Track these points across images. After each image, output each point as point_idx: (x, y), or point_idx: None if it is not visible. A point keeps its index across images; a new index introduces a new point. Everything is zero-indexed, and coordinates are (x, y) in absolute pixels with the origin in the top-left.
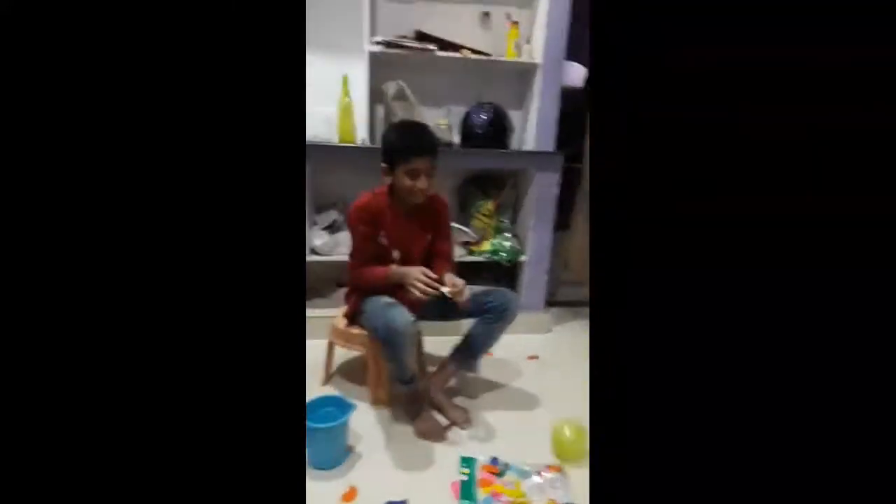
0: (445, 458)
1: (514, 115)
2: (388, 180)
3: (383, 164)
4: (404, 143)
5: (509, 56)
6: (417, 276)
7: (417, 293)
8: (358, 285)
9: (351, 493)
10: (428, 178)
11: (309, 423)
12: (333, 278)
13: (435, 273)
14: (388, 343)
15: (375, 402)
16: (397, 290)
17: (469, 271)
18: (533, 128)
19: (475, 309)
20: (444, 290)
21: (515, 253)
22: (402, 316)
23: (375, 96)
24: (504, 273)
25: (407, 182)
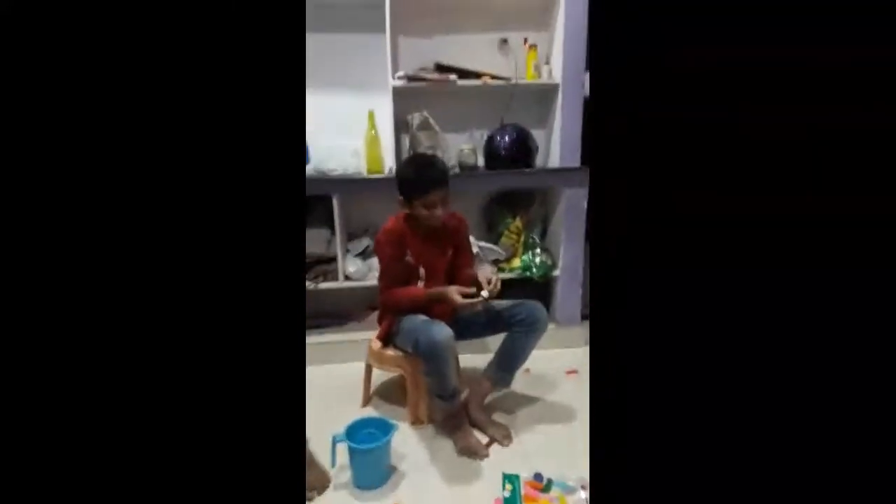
0: (488, 474)
1: (538, 135)
2: (405, 211)
3: (400, 198)
4: (418, 178)
5: (529, 78)
6: (455, 294)
7: (460, 305)
8: (392, 306)
9: None
10: (443, 206)
11: (353, 445)
12: (367, 302)
13: (461, 281)
14: (429, 358)
15: (415, 421)
16: (430, 307)
17: (502, 288)
18: (557, 145)
19: (505, 323)
20: (484, 293)
21: (547, 268)
22: (442, 331)
23: (401, 127)
24: (537, 289)
25: (423, 213)
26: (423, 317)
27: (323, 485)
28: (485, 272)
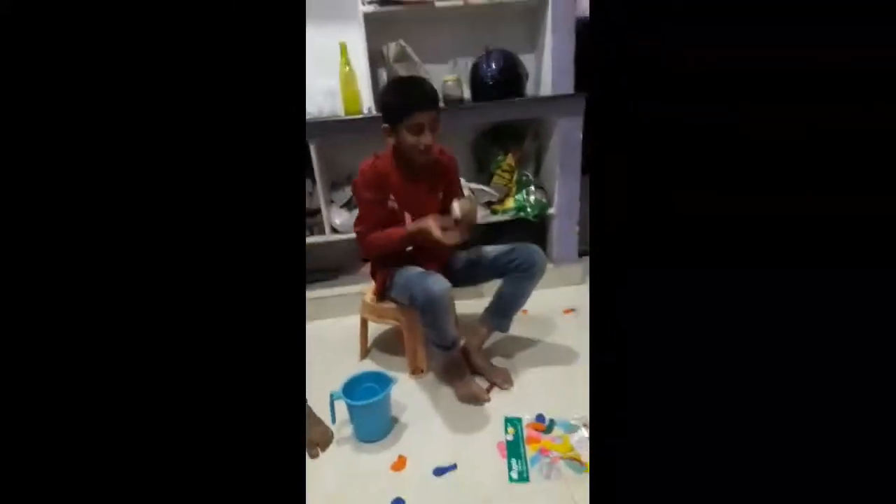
0: (490, 420)
1: (527, 60)
2: (391, 141)
3: (384, 125)
4: (403, 99)
5: None
6: (431, 224)
7: (439, 237)
8: (372, 251)
9: (400, 462)
10: (432, 133)
11: (350, 402)
12: (358, 254)
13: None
14: (427, 310)
15: (414, 371)
16: (419, 258)
17: (494, 232)
18: (549, 71)
19: (501, 269)
20: (455, 212)
21: (542, 206)
22: (439, 282)
23: (376, 61)
24: (532, 229)
25: (411, 139)
26: (417, 269)
27: (325, 441)
28: (460, 203)
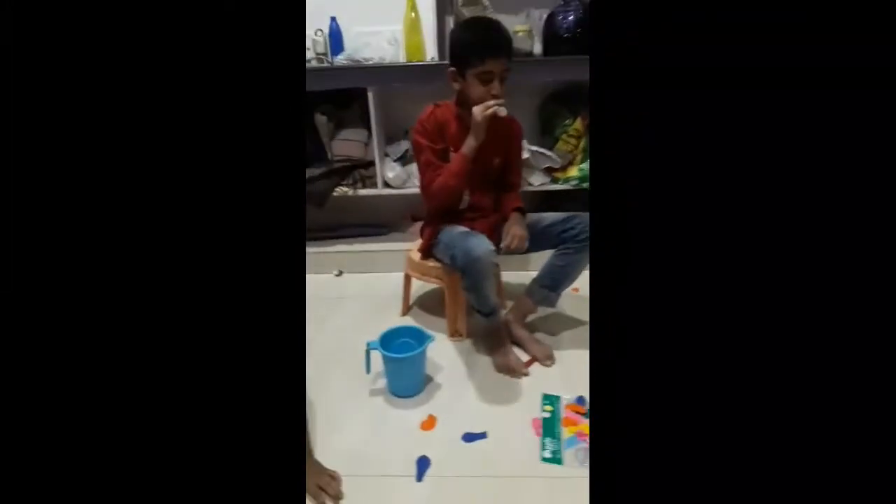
0: (527, 394)
1: None
2: (456, 86)
3: (451, 69)
4: (476, 42)
5: None
6: (479, 111)
7: (484, 114)
8: (439, 198)
9: (430, 422)
10: (501, 84)
11: (386, 353)
12: (408, 212)
13: (505, 211)
14: (467, 272)
15: (453, 334)
16: (468, 217)
17: (552, 202)
18: None
19: (555, 239)
20: (506, 239)
21: None
22: (481, 244)
23: (444, 7)
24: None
25: (479, 88)
26: (462, 228)
27: (336, 487)
28: (516, 230)
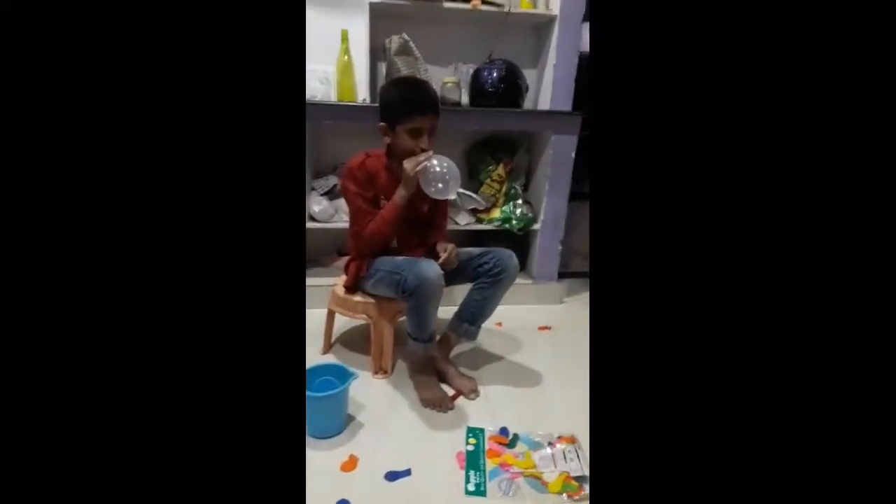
0: (452, 428)
1: (529, 75)
2: (386, 140)
3: (381, 123)
4: (406, 99)
5: (524, 6)
6: (409, 166)
7: (415, 169)
8: (373, 243)
9: (351, 463)
10: (430, 139)
11: (307, 393)
12: (333, 246)
13: (431, 244)
14: (416, 294)
15: (377, 371)
16: (404, 248)
17: (477, 240)
18: (549, 87)
19: (470, 273)
20: (442, 254)
21: (528, 221)
22: (432, 267)
23: (377, 53)
24: (515, 242)
25: (408, 142)
26: (402, 256)
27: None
28: (446, 245)
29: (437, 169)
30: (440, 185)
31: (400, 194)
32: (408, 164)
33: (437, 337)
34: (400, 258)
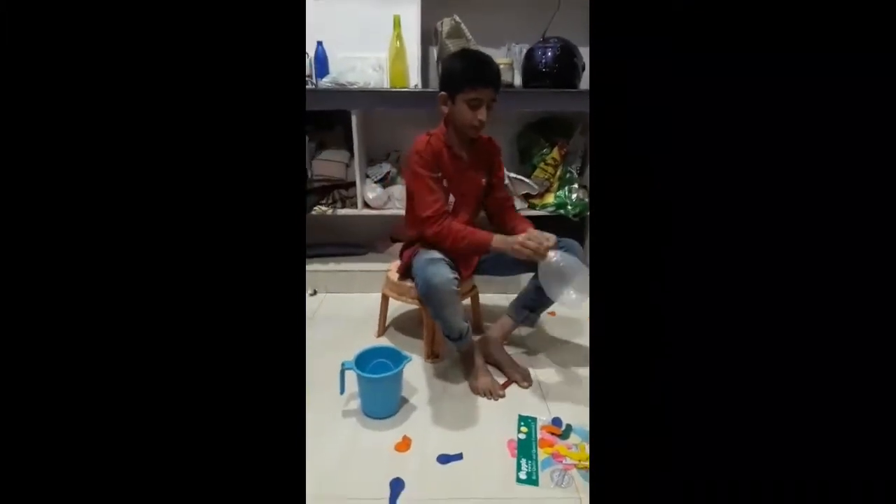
0: (503, 416)
1: (585, 53)
2: (444, 109)
3: (442, 93)
4: (467, 69)
5: None
6: (523, 243)
7: (527, 255)
8: (446, 241)
9: (405, 443)
10: (488, 111)
11: (360, 373)
12: (387, 232)
13: (513, 226)
14: (428, 300)
15: (429, 356)
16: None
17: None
18: None
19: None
20: (551, 255)
21: (583, 206)
22: (440, 272)
23: (428, 38)
24: (571, 229)
25: (467, 113)
26: (429, 255)
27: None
28: (543, 237)
29: (562, 264)
30: (572, 295)
31: (496, 244)
32: (522, 247)
33: (487, 327)
34: (424, 257)
